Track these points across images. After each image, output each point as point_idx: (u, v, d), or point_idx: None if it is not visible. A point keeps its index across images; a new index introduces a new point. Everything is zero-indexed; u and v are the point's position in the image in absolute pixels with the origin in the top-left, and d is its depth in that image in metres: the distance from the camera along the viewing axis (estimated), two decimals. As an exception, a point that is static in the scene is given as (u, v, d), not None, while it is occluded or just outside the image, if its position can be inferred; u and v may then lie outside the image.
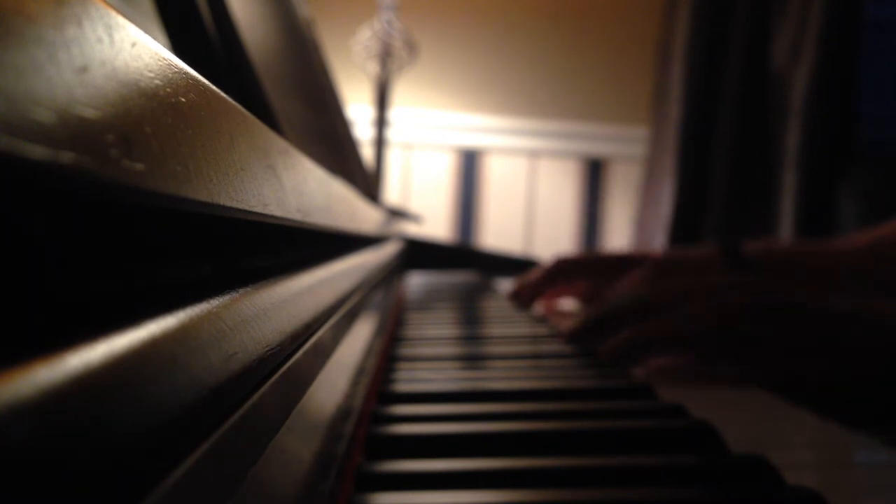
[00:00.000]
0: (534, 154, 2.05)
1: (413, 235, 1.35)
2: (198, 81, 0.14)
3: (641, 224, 1.91)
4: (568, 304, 0.87)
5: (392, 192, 1.97)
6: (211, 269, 0.17)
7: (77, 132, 0.09)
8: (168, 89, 0.13)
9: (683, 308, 0.49)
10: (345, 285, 0.33)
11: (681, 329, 0.49)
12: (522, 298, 0.84)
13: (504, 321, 0.69)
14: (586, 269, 0.82)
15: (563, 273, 0.82)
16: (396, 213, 1.28)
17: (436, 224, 1.99)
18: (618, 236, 2.07)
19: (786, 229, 1.58)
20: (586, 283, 0.82)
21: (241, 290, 0.16)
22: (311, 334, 0.22)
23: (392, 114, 1.65)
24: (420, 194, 2.02)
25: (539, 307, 0.84)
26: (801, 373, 0.48)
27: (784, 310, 0.49)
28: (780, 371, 0.48)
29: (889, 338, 0.48)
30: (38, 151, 0.08)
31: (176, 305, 0.12)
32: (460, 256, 1.37)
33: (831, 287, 0.56)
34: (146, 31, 0.12)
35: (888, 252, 0.68)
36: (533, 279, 0.83)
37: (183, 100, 0.13)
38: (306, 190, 0.25)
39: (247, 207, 0.16)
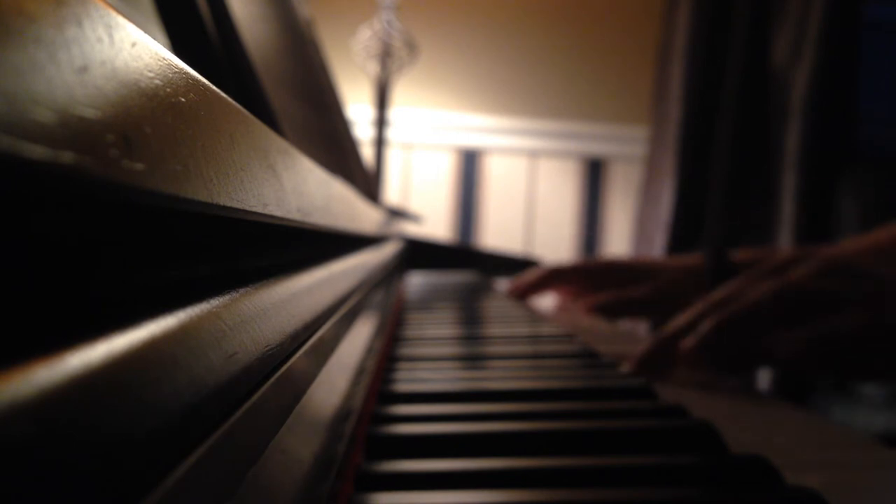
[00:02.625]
0: (534, 154, 2.05)
1: (413, 235, 1.35)
2: (198, 81, 0.14)
3: (641, 224, 1.91)
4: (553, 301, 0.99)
5: (392, 192, 1.97)
6: (211, 269, 0.17)
7: (77, 132, 0.09)
8: (168, 89, 0.13)
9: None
10: (345, 285, 0.33)
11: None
12: (517, 294, 0.95)
13: (504, 321, 0.69)
14: (577, 277, 0.91)
15: (557, 279, 0.92)
16: (396, 213, 1.28)
17: (436, 224, 1.98)
18: (618, 236, 2.07)
19: (786, 229, 1.58)
20: (577, 287, 0.90)
21: (241, 290, 0.16)
22: (312, 334, 0.22)
23: (392, 114, 1.65)
24: (420, 194, 2.02)
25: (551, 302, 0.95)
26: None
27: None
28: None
29: None
30: (38, 151, 0.08)
31: (176, 305, 0.12)
32: (460, 256, 1.37)
33: None
34: (146, 31, 0.12)
35: (886, 254, 0.69)
36: (529, 280, 0.93)
37: (183, 100, 0.13)
38: (306, 190, 0.25)
39: (247, 207, 0.16)
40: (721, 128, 1.75)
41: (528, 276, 0.95)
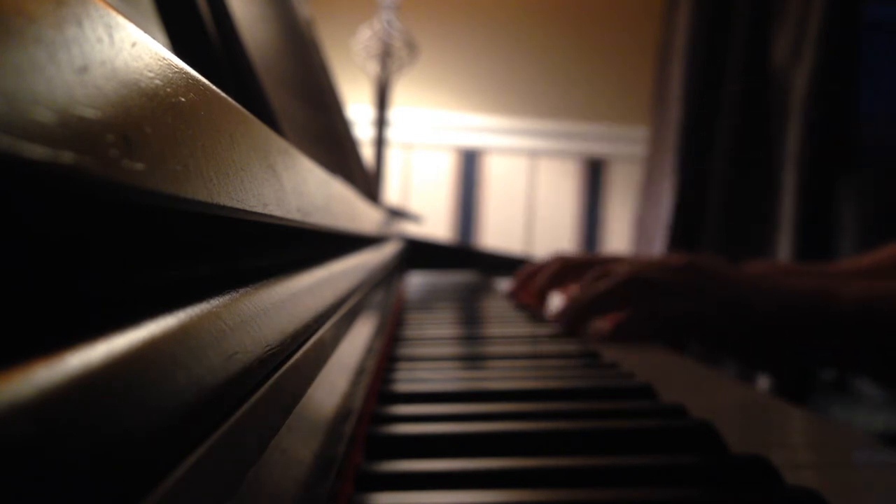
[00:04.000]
0: (534, 154, 2.05)
1: (413, 235, 1.35)
2: (198, 81, 0.14)
3: (641, 224, 1.91)
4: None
5: (392, 192, 1.97)
6: (211, 269, 0.17)
7: (77, 132, 0.09)
8: (168, 89, 0.13)
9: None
10: (345, 285, 0.33)
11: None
12: (526, 298, 0.85)
13: (504, 321, 0.69)
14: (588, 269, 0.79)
15: (569, 273, 0.80)
16: (396, 213, 1.28)
17: (436, 224, 1.98)
18: (618, 236, 2.07)
19: (786, 229, 1.58)
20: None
21: (241, 290, 0.16)
22: (312, 334, 0.22)
23: (392, 114, 1.65)
24: (420, 194, 2.02)
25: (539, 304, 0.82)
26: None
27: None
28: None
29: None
30: (38, 151, 0.08)
31: (176, 305, 0.12)
32: (460, 256, 1.37)
33: None
34: (146, 31, 0.12)
35: (884, 276, 0.72)
36: (538, 280, 0.82)
37: (183, 100, 0.13)
38: (306, 190, 0.25)
39: (247, 207, 0.16)
40: (721, 128, 1.75)
41: (535, 276, 0.83)
